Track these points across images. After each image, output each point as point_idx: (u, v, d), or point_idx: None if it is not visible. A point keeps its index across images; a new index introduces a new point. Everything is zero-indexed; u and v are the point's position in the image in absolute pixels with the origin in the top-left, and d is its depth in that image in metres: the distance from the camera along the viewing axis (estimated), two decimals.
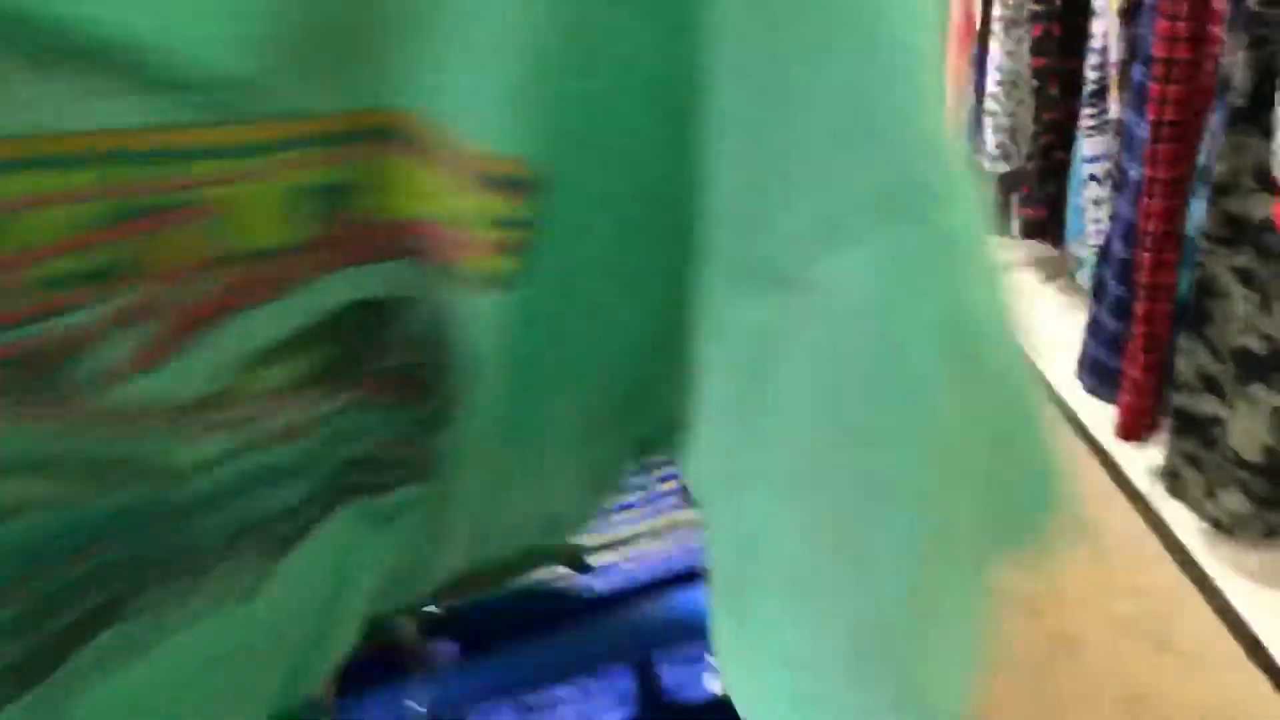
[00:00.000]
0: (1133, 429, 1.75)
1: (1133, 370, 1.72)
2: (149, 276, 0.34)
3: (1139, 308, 1.67)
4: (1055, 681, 1.66)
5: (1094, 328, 1.85)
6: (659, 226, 0.38)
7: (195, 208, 0.33)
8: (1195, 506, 1.60)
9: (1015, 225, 2.35)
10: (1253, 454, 1.50)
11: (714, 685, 0.65)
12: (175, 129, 0.31)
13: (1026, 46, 2.18)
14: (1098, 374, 1.84)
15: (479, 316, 0.39)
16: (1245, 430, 1.49)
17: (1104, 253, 1.79)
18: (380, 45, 0.32)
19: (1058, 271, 2.43)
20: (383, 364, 0.43)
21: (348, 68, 0.32)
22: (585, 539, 0.63)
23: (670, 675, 0.65)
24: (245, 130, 0.33)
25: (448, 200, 0.36)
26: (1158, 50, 1.54)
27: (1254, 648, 1.64)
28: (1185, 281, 1.58)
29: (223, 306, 0.37)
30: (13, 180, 0.30)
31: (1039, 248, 2.45)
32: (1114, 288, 1.76)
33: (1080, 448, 2.13)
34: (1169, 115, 1.55)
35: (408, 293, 0.40)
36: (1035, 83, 2.19)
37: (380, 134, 0.35)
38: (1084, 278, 1.96)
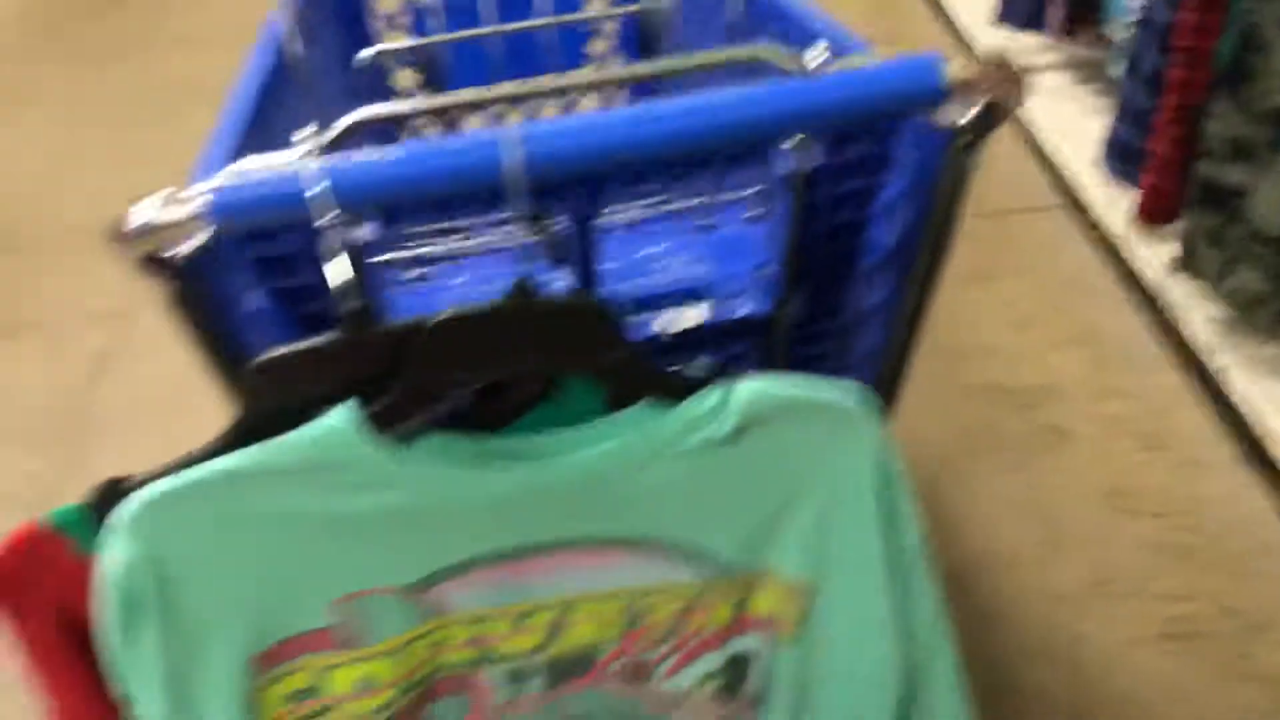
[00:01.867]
0: (1155, 211, 1.63)
1: (1161, 146, 1.59)
2: (680, 636, 0.73)
3: (1174, 74, 1.54)
4: (1041, 471, 1.58)
5: (1124, 107, 1.72)
6: (877, 619, 0.71)
7: (703, 608, 0.72)
8: (1210, 283, 1.49)
9: (1052, 19, 2.19)
10: (1276, 227, 1.37)
11: None
12: (694, 582, 0.70)
13: None
14: (1124, 156, 1.72)
15: (780, 660, 0.73)
16: (1271, 201, 1.37)
17: (1145, 21, 1.64)
18: (764, 543, 0.70)
19: (1092, 76, 2.29)
20: (745, 693, 0.76)
21: (757, 552, 0.70)
22: None
23: None
24: (723, 581, 0.71)
25: (777, 600, 0.71)
26: None
27: (1254, 450, 1.55)
28: (1227, 45, 1.44)
29: (700, 651, 0.74)
30: (607, 604, 0.71)
31: (1075, 51, 2.30)
32: (1150, 58, 1.62)
33: (1095, 248, 2.01)
34: None
35: (752, 653, 0.74)
36: None
37: (758, 578, 0.71)
38: (1119, 70, 1.81)
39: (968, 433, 1.68)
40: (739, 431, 0.65)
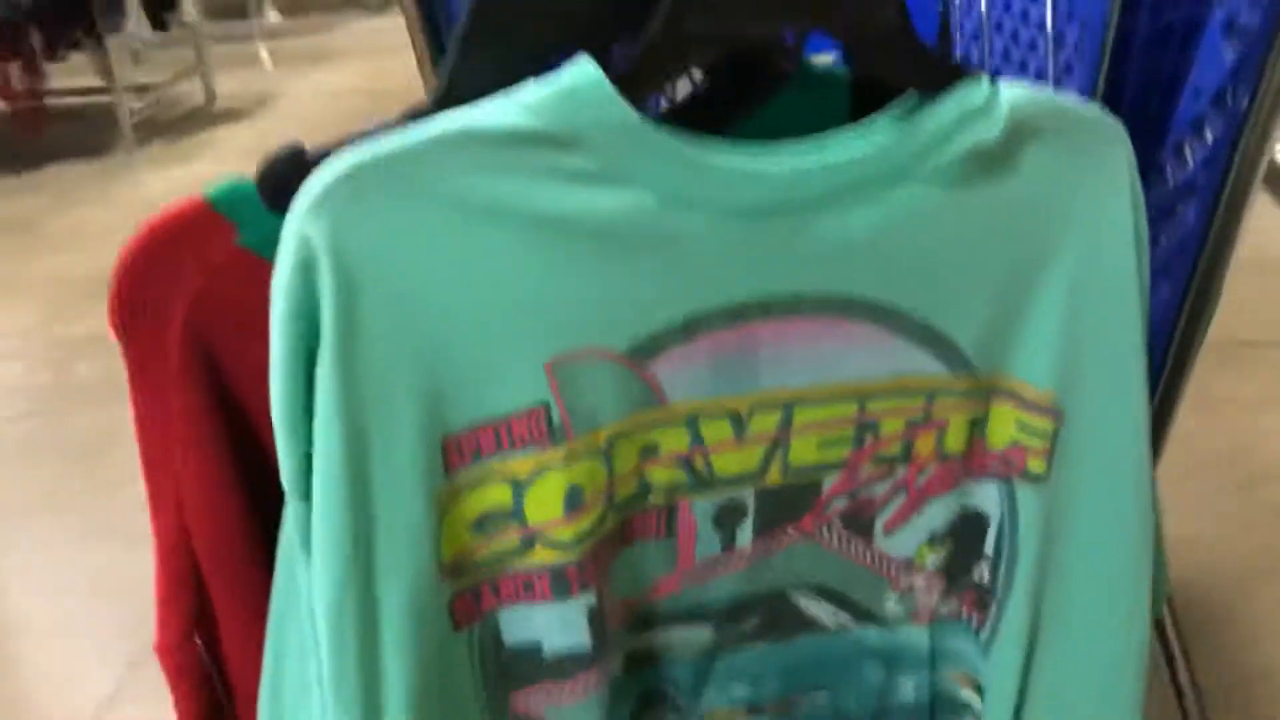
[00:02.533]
0: None
1: None
2: (910, 464, 0.60)
3: None
4: None
5: None
6: (1136, 446, 0.61)
7: (935, 423, 0.59)
8: None
9: None
10: None
11: None
12: (928, 377, 0.58)
13: None
14: None
15: (1027, 505, 0.61)
16: None
17: None
18: (1004, 338, 0.58)
19: None
20: (971, 578, 0.64)
21: (995, 349, 0.58)
22: None
23: None
24: (961, 380, 0.58)
25: (1018, 426, 0.60)
26: None
27: None
28: None
29: (928, 493, 0.61)
30: (835, 407, 0.58)
31: None
32: None
33: None
34: None
35: (988, 509, 0.62)
36: None
37: (995, 389, 0.59)
38: None
39: (1268, 550, 1.59)
40: (1007, 140, 0.54)
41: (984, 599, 0.65)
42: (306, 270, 0.47)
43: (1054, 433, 0.60)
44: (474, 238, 0.49)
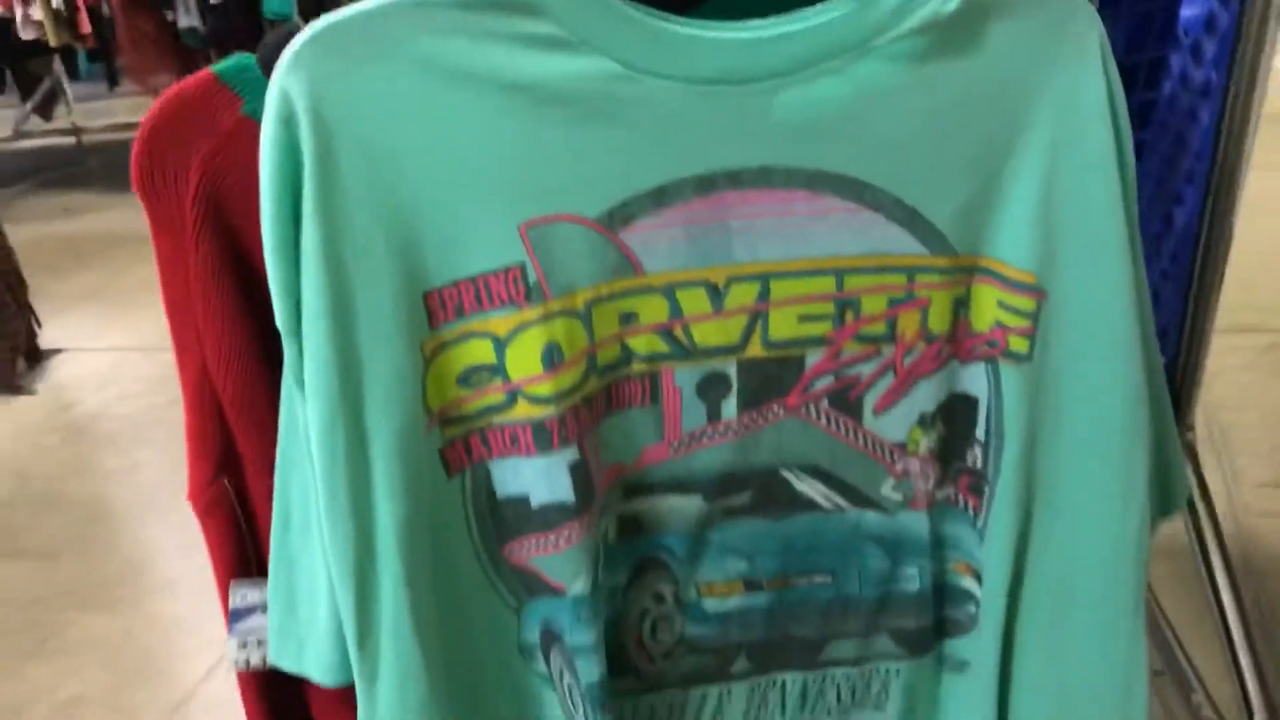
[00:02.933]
0: None
1: None
2: (896, 343, 0.61)
3: None
4: None
5: None
6: (1123, 324, 0.60)
7: (918, 301, 0.60)
8: None
9: None
10: None
11: None
12: (907, 255, 0.59)
13: None
14: None
15: (1012, 383, 0.62)
16: None
17: None
18: (981, 218, 0.59)
19: None
20: (965, 463, 0.65)
21: (973, 229, 0.59)
22: None
23: None
24: (941, 259, 0.59)
25: (1000, 306, 0.61)
26: None
27: None
28: None
29: (916, 373, 0.62)
30: (812, 281, 0.59)
31: None
32: None
33: None
34: None
35: (977, 392, 0.63)
36: None
37: (975, 269, 0.60)
38: None
39: None
40: (963, 12, 0.55)
41: (979, 484, 0.65)
42: (287, 124, 0.52)
43: (1036, 312, 0.60)
44: (442, 98, 0.52)
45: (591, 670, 0.62)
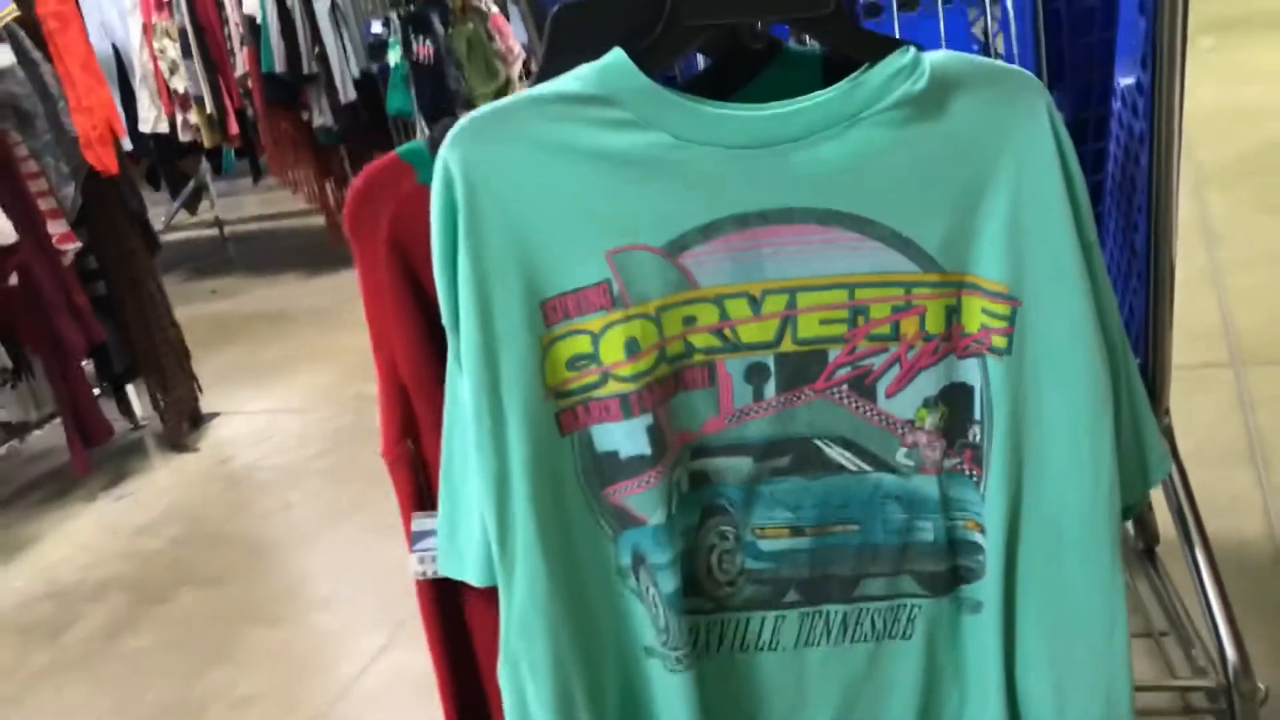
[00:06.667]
0: None
1: None
2: (900, 341, 0.79)
3: None
4: None
5: None
6: (1083, 322, 0.76)
7: (915, 309, 0.78)
8: None
9: None
10: None
11: None
12: (903, 273, 0.77)
13: None
14: None
15: (998, 373, 0.79)
16: None
17: None
18: (963, 244, 0.76)
19: None
20: (966, 438, 0.81)
21: (957, 252, 0.77)
22: None
23: None
24: (931, 276, 0.77)
25: (984, 312, 0.78)
26: None
27: None
28: None
29: (918, 365, 0.80)
30: (829, 293, 0.78)
31: None
32: None
33: None
34: None
35: (971, 380, 0.80)
36: None
37: (962, 284, 0.78)
38: None
39: None
40: (932, 90, 0.73)
41: (979, 456, 0.80)
42: (448, 187, 0.74)
43: (1011, 315, 0.77)
44: (550, 164, 0.74)
45: (669, 582, 0.80)
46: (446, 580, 0.86)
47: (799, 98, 0.74)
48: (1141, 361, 1.10)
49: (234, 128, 3.99)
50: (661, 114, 0.74)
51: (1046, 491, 0.79)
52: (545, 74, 0.80)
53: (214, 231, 5.22)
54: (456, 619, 0.90)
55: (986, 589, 0.82)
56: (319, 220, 4.47)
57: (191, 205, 5.04)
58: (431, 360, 0.85)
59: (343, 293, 4.06)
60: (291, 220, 5.30)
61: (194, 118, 3.93)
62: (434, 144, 0.83)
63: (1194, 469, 1.14)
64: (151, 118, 3.98)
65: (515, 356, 0.76)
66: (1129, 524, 1.46)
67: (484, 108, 0.76)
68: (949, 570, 0.84)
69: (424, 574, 0.86)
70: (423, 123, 4.20)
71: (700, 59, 0.94)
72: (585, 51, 0.77)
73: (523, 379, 0.76)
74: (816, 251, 0.76)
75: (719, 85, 0.84)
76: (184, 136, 3.99)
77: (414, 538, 0.87)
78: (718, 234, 0.76)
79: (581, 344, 0.77)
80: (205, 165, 4.63)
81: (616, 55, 0.75)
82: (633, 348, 0.77)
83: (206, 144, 4.02)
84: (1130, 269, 1.06)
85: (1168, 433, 1.11)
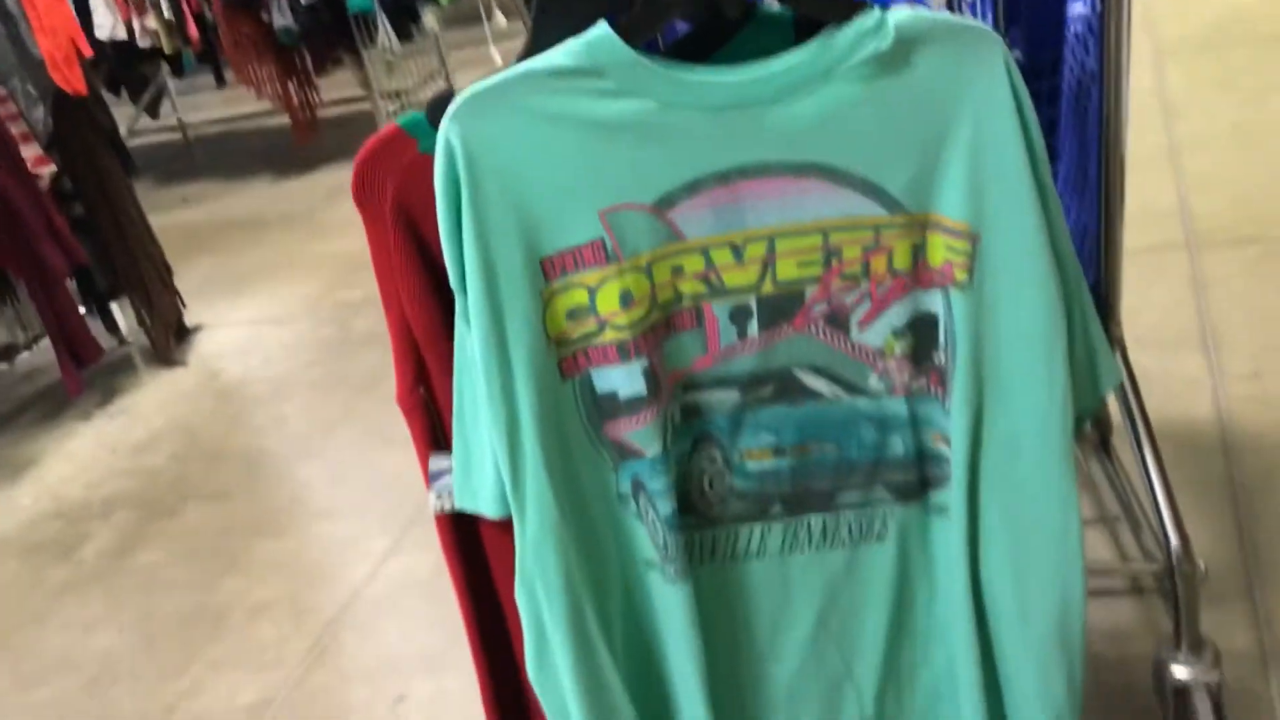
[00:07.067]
0: None
1: None
2: (870, 279, 0.84)
3: None
4: None
5: None
6: (1039, 254, 0.82)
7: (884, 248, 0.83)
8: None
9: None
10: None
11: None
12: (872, 216, 0.82)
13: None
14: None
15: (957, 306, 0.84)
16: None
17: None
18: (926, 186, 0.82)
19: None
20: (931, 361, 0.87)
21: (921, 194, 0.82)
22: None
23: None
24: (898, 218, 0.82)
25: (946, 248, 0.83)
26: None
27: None
28: None
29: (888, 299, 0.85)
30: (805, 238, 0.83)
31: None
32: None
33: None
34: None
35: (936, 310, 0.85)
36: None
37: (927, 223, 0.83)
38: None
39: None
40: (897, 48, 0.77)
41: (943, 377, 0.87)
42: (450, 159, 0.79)
43: (972, 250, 0.82)
44: (545, 133, 0.79)
45: (666, 506, 0.88)
46: (463, 515, 0.95)
47: (772, 58, 0.79)
48: (1093, 281, 1.18)
49: (194, 31, 3.93)
50: (646, 83, 0.79)
51: (1005, 407, 0.86)
52: (535, 47, 0.85)
53: (177, 136, 5.18)
54: (474, 548, 0.99)
55: (952, 495, 0.89)
56: (282, 120, 4.42)
57: (153, 109, 4.98)
58: (438, 313, 0.91)
59: (313, 197, 4.09)
60: (255, 121, 5.25)
61: (152, 23, 3.88)
62: (433, 115, 0.89)
63: (1147, 353, 1.20)
64: (109, 24, 3.91)
65: (519, 312, 0.82)
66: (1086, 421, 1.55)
67: (480, 84, 0.81)
68: (918, 479, 0.91)
69: (442, 508, 0.95)
70: (384, 20, 4.17)
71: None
72: (571, 25, 0.81)
73: (527, 332, 0.82)
74: (792, 201, 0.82)
75: (699, 47, 0.89)
76: (142, 42, 3.94)
77: (431, 476, 0.95)
78: (702, 190, 0.81)
79: (579, 296, 0.83)
80: (165, 68, 4.58)
81: (602, 29, 0.79)
82: (627, 299, 0.83)
83: (167, 50, 3.97)
84: (1084, 196, 1.13)
85: (1118, 343, 1.20)
